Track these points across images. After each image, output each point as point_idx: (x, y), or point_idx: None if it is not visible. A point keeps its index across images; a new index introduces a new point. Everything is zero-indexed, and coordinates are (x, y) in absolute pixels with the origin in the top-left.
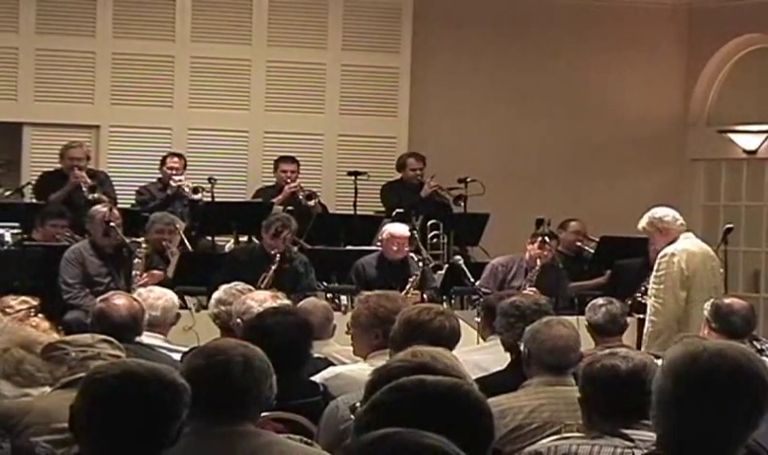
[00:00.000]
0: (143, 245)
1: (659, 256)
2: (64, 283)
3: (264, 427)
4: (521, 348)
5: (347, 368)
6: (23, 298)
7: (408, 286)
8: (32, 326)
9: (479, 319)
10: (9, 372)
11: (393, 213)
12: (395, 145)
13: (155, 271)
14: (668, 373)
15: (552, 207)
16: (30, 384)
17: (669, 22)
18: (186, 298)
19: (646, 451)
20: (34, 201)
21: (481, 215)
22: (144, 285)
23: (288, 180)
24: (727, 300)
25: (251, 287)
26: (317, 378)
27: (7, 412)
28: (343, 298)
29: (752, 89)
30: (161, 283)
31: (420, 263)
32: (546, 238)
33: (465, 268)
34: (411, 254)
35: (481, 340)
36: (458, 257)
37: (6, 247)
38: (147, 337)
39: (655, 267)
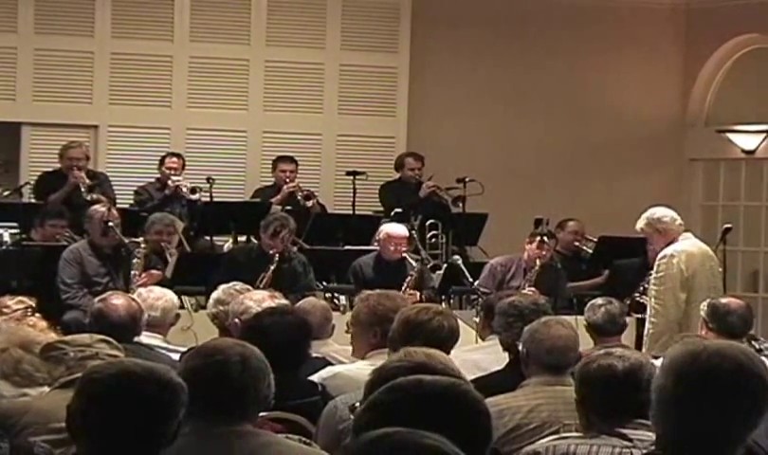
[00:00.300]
0: (142, 245)
1: (658, 257)
2: (63, 283)
3: (262, 427)
4: (520, 348)
5: (345, 367)
6: (20, 298)
7: (404, 286)
8: (29, 326)
9: (478, 319)
10: (7, 371)
11: (392, 213)
12: (394, 145)
13: (154, 271)
14: (668, 372)
15: (550, 206)
16: (29, 384)
17: (668, 22)
18: (183, 298)
19: (644, 451)
20: (33, 201)
21: (479, 215)
22: (143, 285)
23: (287, 180)
24: (724, 300)
25: (250, 287)
26: (315, 378)
27: (5, 412)
28: (342, 297)
29: (750, 89)
30: (159, 283)
31: (416, 263)
32: (545, 238)
33: (463, 268)
34: (405, 254)
35: (480, 340)
36: (457, 257)
37: (4, 247)
38: (146, 338)
39: (654, 269)
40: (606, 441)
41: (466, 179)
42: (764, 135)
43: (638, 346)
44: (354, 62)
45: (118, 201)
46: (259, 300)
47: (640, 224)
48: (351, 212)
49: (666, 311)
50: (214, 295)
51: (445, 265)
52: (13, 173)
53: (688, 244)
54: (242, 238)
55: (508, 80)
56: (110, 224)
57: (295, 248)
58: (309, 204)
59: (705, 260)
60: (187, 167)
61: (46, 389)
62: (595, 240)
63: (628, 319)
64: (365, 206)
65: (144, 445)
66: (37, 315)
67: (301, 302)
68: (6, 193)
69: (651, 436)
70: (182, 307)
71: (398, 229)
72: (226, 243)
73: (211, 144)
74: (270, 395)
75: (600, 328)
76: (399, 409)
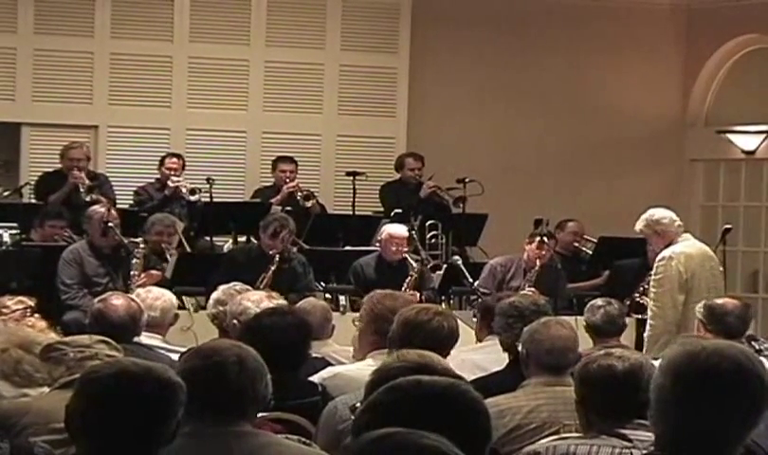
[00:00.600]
0: (141, 246)
1: (657, 259)
2: (62, 284)
3: (262, 427)
4: (520, 348)
5: (346, 367)
6: (19, 298)
7: (404, 286)
8: (28, 326)
9: (476, 320)
10: (7, 372)
11: (392, 214)
12: (394, 145)
13: (153, 271)
14: (667, 372)
15: (550, 207)
16: (29, 384)
17: (668, 22)
18: (184, 298)
19: (644, 451)
20: (33, 201)
21: (479, 215)
22: (142, 286)
23: (287, 180)
24: (720, 301)
25: (249, 288)
26: (315, 378)
27: (6, 413)
28: (342, 298)
29: (750, 89)
30: (159, 284)
31: (416, 264)
32: (544, 238)
33: (463, 268)
34: (406, 254)
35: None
36: (456, 257)
37: (4, 248)
38: (145, 338)
39: (653, 271)
40: (606, 441)
41: (466, 179)
42: (764, 135)
43: (638, 346)
44: (353, 62)
45: (117, 201)
46: (257, 300)
47: (639, 225)
48: (351, 213)
49: (663, 313)
50: (214, 295)
51: (445, 266)
52: (13, 174)
53: (687, 245)
54: (242, 238)
55: (508, 80)
56: (110, 224)
57: (295, 249)
58: (309, 204)
59: (705, 261)
60: (187, 167)
61: (46, 389)
62: (595, 240)
63: (627, 320)
64: (365, 206)
65: (143, 445)
66: (36, 315)
67: (301, 303)
68: (6, 194)
69: (651, 436)
70: (183, 307)
71: (400, 230)
72: (226, 243)
73: (211, 144)
74: (268, 395)
75: (599, 329)
76: (399, 410)
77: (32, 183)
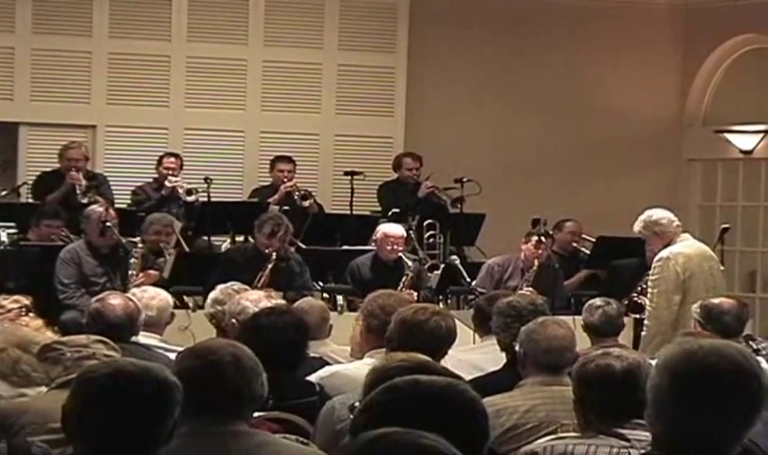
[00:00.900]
0: (139, 245)
1: (655, 260)
2: (60, 283)
3: (259, 427)
4: (517, 348)
5: (344, 367)
6: (14, 297)
7: (400, 286)
8: (23, 325)
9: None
10: (5, 372)
11: (390, 213)
12: (392, 145)
13: (151, 271)
14: (664, 371)
15: (548, 206)
16: (27, 384)
17: (666, 21)
18: (184, 297)
19: (642, 451)
20: (30, 201)
21: (477, 215)
22: (140, 285)
23: (285, 180)
24: (716, 301)
25: (247, 287)
26: (313, 377)
27: (3, 412)
28: (339, 298)
29: (748, 89)
30: (157, 283)
31: (412, 263)
32: (542, 238)
33: (461, 268)
34: (402, 254)
35: (477, 340)
36: (454, 257)
37: (2, 247)
38: (143, 337)
39: (651, 271)
40: (604, 441)
41: (464, 179)
42: (762, 135)
43: (636, 346)
44: (351, 62)
45: (115, 201)
46: (255, 300)
47: (637, 226)
48: (348, 212)
49: (658, 313)
50: (212, 295)
51: (442, 266)
52: (11, 174)
53: (686, 245)
54: (240, 238)
55: (506, 79)
56: (108, 224)
57: (292, 249)
58: (307, 204)
59: (704, 261)
60: (184, 167)
61: (44, 389)
62: (593, 240)
63: (626, 320)
64: (363, 206)
65: (140, 445)
66: (31, 314)
67: (298, 302)
68: (3, 193)
69: (649, 436)
70: (182, 307)
71: (395, 229)
72: (224, 243)
73: (209, 144)
74: (264, 394)
75: (597, 329)
76: (396, 410)
77: (30, 183)
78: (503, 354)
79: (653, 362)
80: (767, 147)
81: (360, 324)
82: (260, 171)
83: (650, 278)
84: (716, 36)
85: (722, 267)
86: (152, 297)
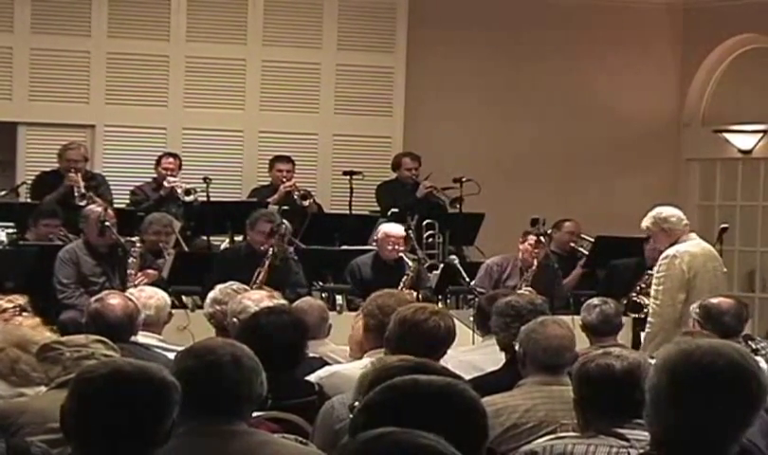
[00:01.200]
0: (137, 245)
1: (661, 257)
2: (59, 283)
3: (259, 427)
4: (516, 348)
5: (343, 367)
6: (9, 297)
7: (400, 286)
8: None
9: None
10: (4, 371)
11: (389, 213)
12: (390, 145)
13: (150, 271)
14: (662, 371)
15: (547, 206)
16: (26, 384)
17: (664, 21)
18: (183, 297)
19: (641, 451)
20: (29, 201)
21: (476, 215)
22: (138, 285)
23: (283, 180)
24: (715, 301)
25: (247, 287)
26: (313, 377)
27: (2, 412)
28: (339, 297)
29: (747, 89)
30: (155, 283)
31: (412, 263)
32: (540, 237)
33: (460, 268)
34: (402, 254)
35: (477, 339)
36: (453, 257)
37: (1, 247)
38: (142, 337)
39: (656, 268)
40: (603, 441)
41: (463, 179)
42: (761, 134)
43: (635, 346)
44: (350, 61)
45: (114, 200)
46: (257, 299)
47: (646, 222)
48: (347, 212)
49: (661, 311)
50: (211, 294)
51: (441, 265)
52: (10, 173)
53: (692, 244)
54: (239, 238)
55: (505, 79)
56: (106, 223)
57: (291, 248)
58: (306, 204)
59: (708, 261)
60: (183, 167)
61: (43, 389)
62: (592, 240)
63: (624, 319)
64: (362, 206)
65: (138, 445)
66: (26, 313)
67: (298, 302)
68: (2, 193)
69: (649, 436)
70: (181, 306)
71: (396, 229)
72: (223, 242)
73: (208, 144)
74: (263, 394)
75: (595, 328)
76: (395, 409)
77: (29, 183)
78: (503, 355)
79: (653, 361)
80: (766, 147)
81: (360, 324)
82: (259, 170)
83: (655, 275)
84: (715, 36)
85: (725, 269)
86: (149, 296)
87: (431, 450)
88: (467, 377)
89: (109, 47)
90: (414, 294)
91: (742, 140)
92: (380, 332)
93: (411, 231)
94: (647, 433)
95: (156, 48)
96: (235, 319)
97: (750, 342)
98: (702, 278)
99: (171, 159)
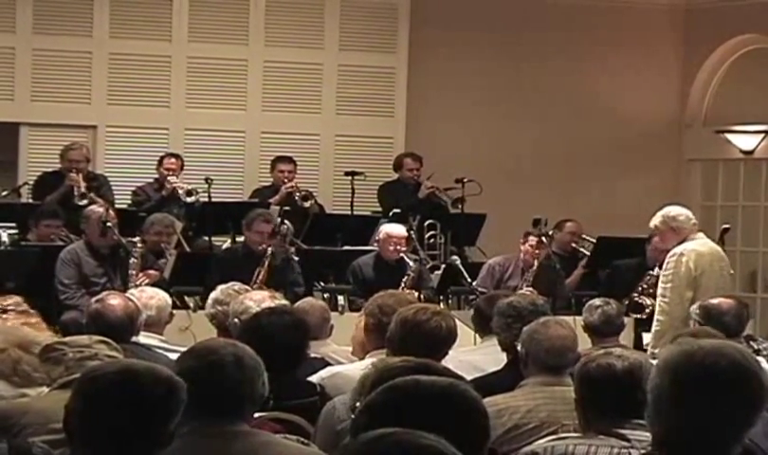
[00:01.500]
0: (139, 245)
1: (668, 255)
2: (60, 284)
3: (261, 427)
4: (519, 348)
5: (345, 367)
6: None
7: (401, 286)
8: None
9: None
10: (6, 372)
11: (391, 214)
12: (392, 145)
13: (151, 271)
14: (664, 371)
15: (549, 207)
16: (28, 384)
17: (666, 22)
18: (185, 297)
19: (643, 451)
20: (31, 201)
21: (478, 215)
22: (140, 285)
23: (285, 180)
24: (715, 301)
25: (248, 287)
26: (315, 378)
27: (4, 413)
28: (340, 298)
29: (749, 89)
30: (157, 284)
31: (413, 263)
32: (542, 238)
33: (461, 268)
34: (403, 254)
35: (478, 340)
36: (455, 257)
37: (2, 248)
38: (143, 337)
39: (663, 266)
40: (604, 441)
41: (465, 179)
42: (763, 135)
43: (637, 346)
44: (352, 62)
45: (116, 201)
46: (259, 300)
47: (654, 221)
48: (349, 213)
49: (670, 309)
50: (213, 295)
51: (443, 266)
52: (12, 174)
53: (700, 243)
54: (240, 238)
55: (506, 80)
56: (108, 224)
57: (292, 249)
58: (307, 204)
59: (715, 261)
60: (185, 167)
61: (45, 389)
62: (594, 240)
63: (626, 320)
64: (363, 206)
65: (144, 446)
66: (8, 314)
67: (299, 303)
68: (4, 193)
69: (650, 436)
70: (183, 307)
71: (398, 229)
72: (224, 243)
73: (210, 144)
74: (265, 394)
75: (597, 329)
76: (397, 410)
77: (31, 183)
78: (504, 355)
79: (654, 362)
80: None
81: (362, 325)
82: (260, 171)
83: (663, 273)
84: (716, 36)
85: (732, 271)
86: (150, 296)
87: (433, 451)
88: (468, 378)
89: (111, 48)
90: (416, 294)
91: (744, 141)
92: (381, 332)
93: (412, 232)
94: (648, 434)
95: (158, 49)
96: (237, 320)
97: (752, 343)
98: (708, 277)
99: (172, 160)
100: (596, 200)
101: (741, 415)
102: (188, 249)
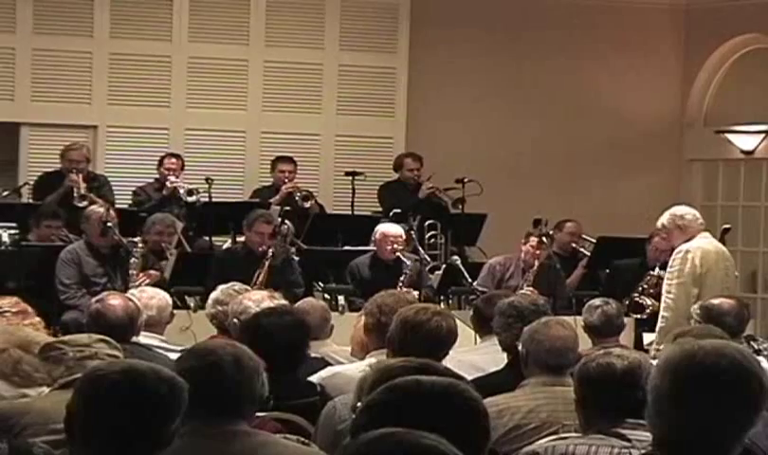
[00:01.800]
0: (139, 245)
1: (674, 252)
2: (61, 284)
3: (264, 426)
4: (519, 348)
5: (345, 367)
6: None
7: (399, 285)
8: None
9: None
10: (6, 372)
11: (391, 214)
12: (392, 145)
13: (152, 271)
14: (665, 371)
15: (549, 207)
16: (28, 384)
17: (667, 22)
18: (186, 297)
19: (643, 451)
20: (31, 201)
21: (478, 215)
22: (140, 285)
23: (286, 180)
24: (715, 302)
25: (249, 288)
26: (315, 378)
27: (5, 413)
28: (340, 298)
29: (749, 89)
30: (157, 284)
31: (410, 262)
32: (543, 238)
33: (462, 268)
34: (400, 253)
35: (478, 340)
36: (455, 257)
37: (3, 248)
38: (144, 338)
39: (669, 263)
40: (605, 441)
41: (465, 179)
42: (763, 135)
43: (637, 347)
44: (352, 62)
45: (116, 201)
46: (258, 300)
47: (662, 220)
48: (350, 213)
49: (676, 305)
50: (213, 295)
51: (444, 266)
52: (12, 174)
53: (705, 242)
54: (241, 238)
55: (507, 80)
56: (108, 224)
57: (293, 249)
58: (308, 204)
59: (721, 260)
60: (186, 167)
61: (45, 389)
62: (594, 240)
63: (626, 320)
64: (364, 206)
65: (145, 446)
66: (5, 313)
67: (299, 303)
68: (5, 194)
69: (650, 436)
70: (183, 307)
71: (394, 229)
72: (225, 243)
73: (210, 144)
74: (264, 394)
75: (597, 329)
76: (398, 410)
77: (31, 183)
78: (504, 355)
79: (654, 362)
80: None
81: (361, 324)
82: (261, 171)
83: (668, 269)
84: (717, 36)
85: (737, 274)
86: (150, 296)
87: (434, 451)
88: (469, 378)
89: (111, 48)
90: (416, 294)
91: (745, 141)
92: (380, 332)
93: (413, 232)
94: (648, 434)
95: (159, 49)
96: (236, 320)
97: (753, 343)
98: (714, 275)
99: (173, 160)
100: (597, 200)
101: (742, 415)
102: (188, 249)
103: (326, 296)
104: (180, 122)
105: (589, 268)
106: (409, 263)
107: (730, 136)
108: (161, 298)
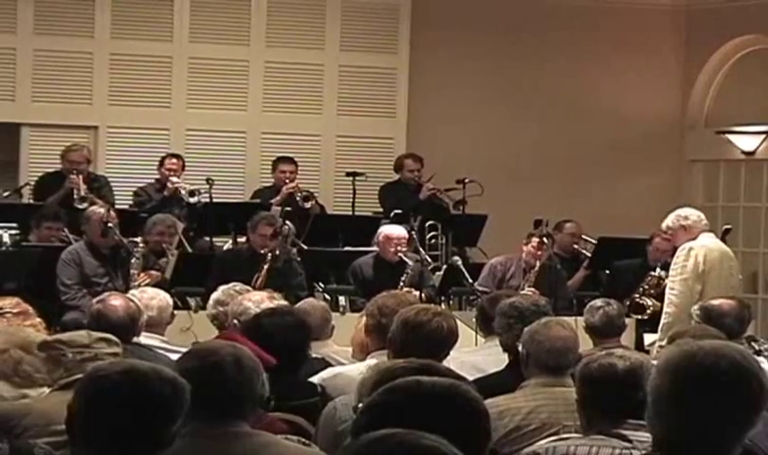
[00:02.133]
0: (140, 246)
1: (678, 250)
2: (62, 284)
3: (273, 425)
4: (520, 349)
5: (346, 368)
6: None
7: (400, 285)
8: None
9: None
10: (7, 373)
11: (392, 214)
12: (393, 146)
13: (153, 271)
14: (665, 372)
15: (550, 208)
16: (29, 385)
17: (668, 23)
18: (187, 298)
19: (644, 452)
20: (32, 202)
21: (479, 216)
22: (141, 286)
23: (286, 181)
24: (715, 303)
25: (249, 288)
26: (316, 378)
27: (6, 414)
28: (341, 298)
29: (750, 90)
30: (158, 284)
31: (412, 262)
32: (544, 239)
33: (463, 269)
34: (401, 254)
35: (479, 341)
36: (456, 258)
37: (4, 248)
38: (145, 338)
39: (673, 260)
40: (606, 442)
41: (466, 180)
42: (764, 136)
43: (638, 347)
44: (353, 63)
45: (117, 201)
46: (258, 300)
47: (666, 221)
48: (350, 213)
49: (679, 301)
50: (214, 296)
51: (444, 267)
52: (13, 174)
53: (709, 241)
54: (241, 239)
55: (508, 81)
56: (109, 224)
57: (294, 249)
58: (308, 205)
59: (724, 259)
60: (186, 168)
61: (46, 390)
62: (594, 241)
63: (627, 321)
64: (365, 207)
65: (147, 447)
66: (6, 315)
67: (300, 303)
68: (5, 194)
69: (651, 437)
70: (184, 307)
71: (396, 230)
72: (225, 243)
73: (211, 145)
74: (265, 394)
75: (598, 330)
76: (398, 410)
77: (32, 184)
78: (505, 356)
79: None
80: None
81: (362, 325)
82: (261, 172)
83: (672, 266)
84: (718, 37)
85: (740, 276)
86: (151, 297)
87: (434, 452)
88: (470, 378)
89: (112, 48)
90: (417, 294)
91: (746, 142)
92: (381, 333)
93: (414, 233)
94: (649, 434)
95: (159, 49)
96: (236, 321)
97: (753, 343)
98: (717, 274)
99: (174, 160)
100: (598, 201)
101: (741, 416)
102: (189, 250)
103: (327, 296)
104: (181, 123)
105: (589, 269)
106: (411, 263)
107: (731, 137)
108: (162, 298)
